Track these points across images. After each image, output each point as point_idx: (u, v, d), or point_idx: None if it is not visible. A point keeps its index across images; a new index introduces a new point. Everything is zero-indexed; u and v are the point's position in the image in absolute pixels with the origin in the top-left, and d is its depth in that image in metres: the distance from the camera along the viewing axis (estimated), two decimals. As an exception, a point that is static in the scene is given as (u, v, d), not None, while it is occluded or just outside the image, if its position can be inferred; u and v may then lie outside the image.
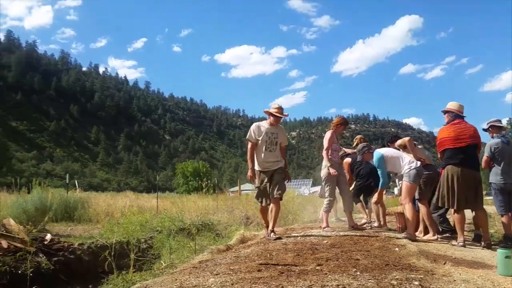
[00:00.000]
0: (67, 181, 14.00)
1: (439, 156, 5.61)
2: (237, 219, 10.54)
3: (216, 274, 3.36)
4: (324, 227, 6.37)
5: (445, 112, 5.56)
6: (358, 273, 3.19)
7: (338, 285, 2.77)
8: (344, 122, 6.80)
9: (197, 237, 7.87)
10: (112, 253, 5.93)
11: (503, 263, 3.39)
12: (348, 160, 7.79)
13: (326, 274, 3.17)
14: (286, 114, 5.94)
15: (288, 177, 5.96)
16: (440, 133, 5.56)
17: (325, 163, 6.49)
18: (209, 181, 14.62)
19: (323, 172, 6.58)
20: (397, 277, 3.01)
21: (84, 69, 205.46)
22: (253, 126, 5.81)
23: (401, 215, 6.94)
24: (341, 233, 6.00)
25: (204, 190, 13.06)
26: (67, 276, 5.40)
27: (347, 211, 6.64)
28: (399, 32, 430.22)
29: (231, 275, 3.26)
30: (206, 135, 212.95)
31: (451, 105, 5.52)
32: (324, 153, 6.48)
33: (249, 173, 5.67)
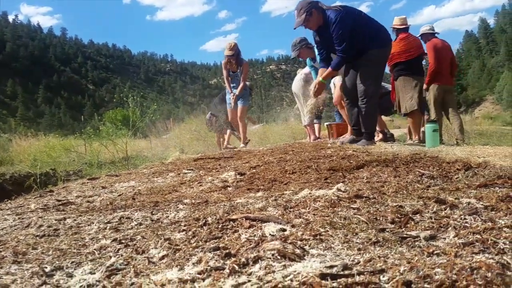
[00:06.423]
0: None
1: (389, 69, 5.75)
2: (173, 151, 10.37)
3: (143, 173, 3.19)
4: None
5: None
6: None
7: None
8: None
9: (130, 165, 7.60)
10: (38, 180, 5.52)
11: (431, 137, 3.54)
12: None
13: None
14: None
15: None
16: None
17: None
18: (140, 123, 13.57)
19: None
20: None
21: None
22: None
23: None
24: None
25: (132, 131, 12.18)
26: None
27: None
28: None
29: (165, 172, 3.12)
30: (133, 83, 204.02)
31: (394, 22, 5.76)
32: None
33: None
